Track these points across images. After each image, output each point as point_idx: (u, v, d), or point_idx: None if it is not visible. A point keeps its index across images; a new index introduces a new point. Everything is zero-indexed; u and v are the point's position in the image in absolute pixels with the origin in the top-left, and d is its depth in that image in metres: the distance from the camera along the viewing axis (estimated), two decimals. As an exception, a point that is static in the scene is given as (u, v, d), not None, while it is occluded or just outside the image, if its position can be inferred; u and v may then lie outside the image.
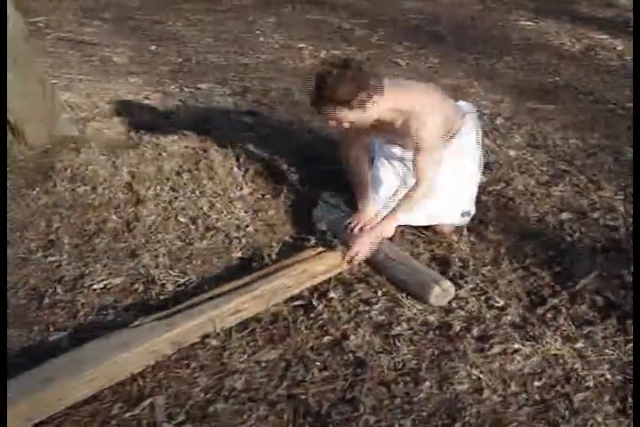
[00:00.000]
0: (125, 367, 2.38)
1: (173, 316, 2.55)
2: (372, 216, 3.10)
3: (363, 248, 2.94)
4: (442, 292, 2.78)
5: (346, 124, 2.78)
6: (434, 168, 2.94)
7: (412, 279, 2.85)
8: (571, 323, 2.69)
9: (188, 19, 7.06)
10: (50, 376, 2.23)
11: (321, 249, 3.03)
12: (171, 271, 3.00)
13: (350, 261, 2.96)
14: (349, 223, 3.11)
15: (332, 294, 2.83)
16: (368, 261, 3.03)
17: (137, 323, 2.53)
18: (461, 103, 3.33)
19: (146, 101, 4.79)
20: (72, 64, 5.54)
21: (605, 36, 6.77)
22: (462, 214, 3.21)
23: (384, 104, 2.79)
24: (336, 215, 3.25)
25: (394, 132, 2.98)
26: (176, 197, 3.54)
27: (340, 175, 3.71)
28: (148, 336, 2.45)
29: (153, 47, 6.14)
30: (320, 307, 2.76)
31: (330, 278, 2.95)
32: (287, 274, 2.83)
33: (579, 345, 2.58)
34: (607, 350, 2.56)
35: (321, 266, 2.93)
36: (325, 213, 3.30)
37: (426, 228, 3.27)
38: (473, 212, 3.28)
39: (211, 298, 2.67)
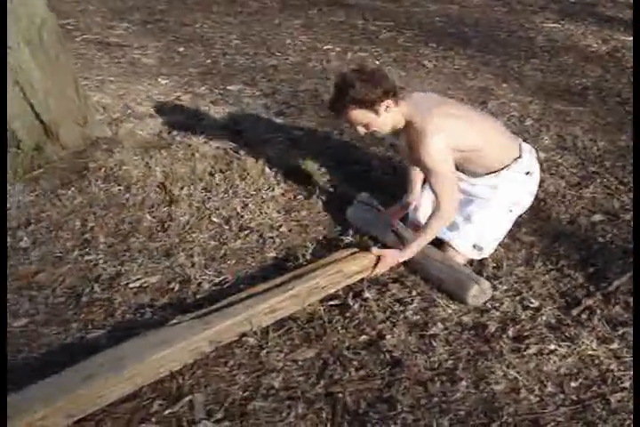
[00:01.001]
0: (165, 365, 2.40)
1: (210, 315, 2.58)
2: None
3: (385, 268, 2.99)
4: (480, 292, 2.79)
5: (361, 129, 2.89)
6: (449, 189, 2.90)
7: (449, 278, 2.87)
8: (605, 324, 2.69)
9: (215, 21, 7.09)
10: (90, 374, 2.26)
11: (355, 249, 3.05)
12: (206, 271, 3.04)
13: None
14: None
15: (366, 294, 2.86)
16: None
17: (175, 321, 2.56)
18: (525, 144, 3.24)
19: (176, 103, 4.83)
20: (102, 66, 5.59)
21: (632, 38, 6.73)
22: (474, 246, 3.06)
23: (397, 113, 2.87)
24: (371, 215, 3.27)
25: (412, 154, 2.98)
26: (209, 198, 3.58)
27: (370, 176, 3.75)
28: (186, 334, 2.47)
29: (181, 49, 6.17)
30: (355, 307, 2.79)
31: (363, 279, 2.96)
32: (322, 274, 2.83)
33: (614, 346, 2.58)
34: (643, 351, 2.56)
35: (354, 267, 2.94)
36: (361, 212, 3.32)
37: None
38: (487, 251, 3.11)
39: (247, 297, 2.69)
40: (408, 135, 2.91)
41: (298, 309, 2.75)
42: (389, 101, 2.80)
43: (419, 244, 2.97)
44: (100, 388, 2.25)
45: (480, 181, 3.12)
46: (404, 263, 3.04)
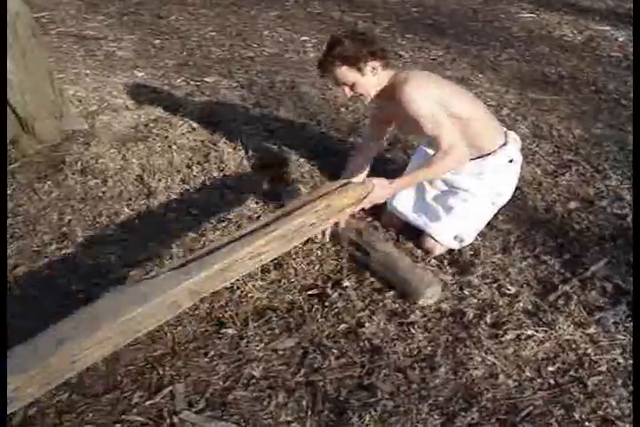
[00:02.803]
0: (142, 322, 2.22)
1: (189, 264, 2.34)
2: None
3: (376, 199, 2.86)
4: (432, 294, 2.76)
5: (347, 90, 2.88)
6: (448, 132, 2.79)
7: (402, 282, 2.81)
8: (582, 309, 2.72)
9: (190, 13, 7.07)
10: (63, 337, 2.09)
11: (342, 182, 2.89)
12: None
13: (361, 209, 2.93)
14: None
15: (345, 283, 2.87)
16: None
17: (153, 274, 2.36)
18: (510, 132, 3.23)
19: (153, 95, 4.80)
20: (77, 59, 5.56)
21: (606, 28, 6.79)
22: (455, 237, 3.08)
23: (383, 77, 2.88)
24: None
25: (398, 117, 3.00)
26: (187, 189, 3.57)
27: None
28: (164, 287, 2.25)
29: (157, 41, 6.15)
30: (334, 296, 2.80)
31: (342, 268, 2.97)
32: (309, 211, 2.64)
33: (591, 330, 2.62)
34: (619, 335, 2.59)
35: (345, 199, 2.77)
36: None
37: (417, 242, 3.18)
38: (467, 242, 3.12)
39: (228, 243, 2.46)
40: (394, 99, 2.84)
41: (285, 251, 2.67)
42: (376, 63, 2.82)
43: (413, 177, 2.93)
44: (73, 353, 2.08)
45: (465, 169, 3.07)
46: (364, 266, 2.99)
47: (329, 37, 2.87)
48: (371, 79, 2.85)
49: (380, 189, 2.82)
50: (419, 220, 3.14)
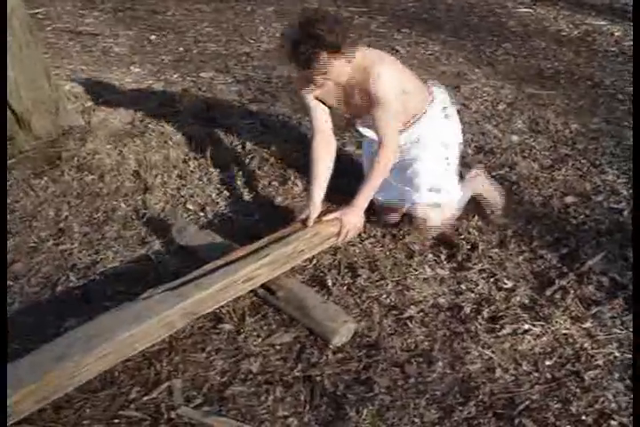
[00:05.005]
0: (138, 341, 2.31)
1: (184, 286, 2.46)
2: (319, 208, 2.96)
3: (352, 227, 2.90)
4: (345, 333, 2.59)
5: (319, 80, 2.69)
6: (393, 123, 2.81)
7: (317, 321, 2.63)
8: (579, 303, 2.73)
9: (187, 8, 7.05)
10: (60, 354, 2.16)
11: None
12: (182, 258, 3.03)
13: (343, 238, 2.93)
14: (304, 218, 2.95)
15: (341, 279, 2.88)
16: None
17: (147, 295, 2.44)
18: (436, 87, 3.13)
19: (149, 90, 4.80)
20: (73, 55, 5.56)
21: (603, 22, 6.77)
22: (430, 190, 2.98)
23: (349, 63, 2.68)
24: (195, 228, 3.14)
25: (357, 98, 2.85)
26: (184, 185, 3.57)
27: (343, 161, 3.74)
28: (158, 309, 2.35)
29: (153, 37, 6.14)
30: (331, 291, 2.81)
31: (339, 263, 2.98)
32: (299, 238, 2.77)
33: (587, 325, 2.62)
34: (615, 329, 2.60)
35: (332, 228, 2.87)
36: (185, 224, 3.20)
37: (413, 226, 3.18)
38: (446, 190, 3.02)
39: (222, 266, 2.58)
40: (356, 80, 2.74)
41: (275, 275, 2.69)
42: (353, 50, 2.64)
43: (366, 193, 2.90)
44: (73, 368, 2.15)
45: (402, 139, 2.99)
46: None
47: (306, 20, 2.54)
48: (345, 66, 2.66)
49: (348, 216, 2.88)
50: (387, 196, 3.11)
